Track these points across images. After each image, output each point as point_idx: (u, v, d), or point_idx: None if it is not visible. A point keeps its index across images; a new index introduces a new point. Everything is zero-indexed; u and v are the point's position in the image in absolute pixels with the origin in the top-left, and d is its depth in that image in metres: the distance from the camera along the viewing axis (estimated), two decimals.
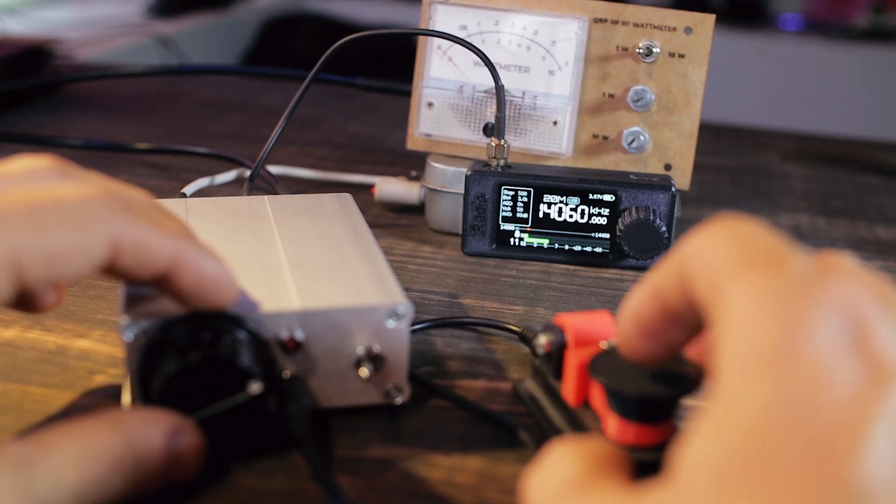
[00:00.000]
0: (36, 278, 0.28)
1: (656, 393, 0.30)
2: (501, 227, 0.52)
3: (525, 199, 0.52)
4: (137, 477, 0.29)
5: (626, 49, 0.54)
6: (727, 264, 0.25)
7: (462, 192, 0.53)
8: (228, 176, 0.62)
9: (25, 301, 0.34)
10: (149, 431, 0.29)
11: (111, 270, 0.30)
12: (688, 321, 0.27)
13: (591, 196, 0.51)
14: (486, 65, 0.52)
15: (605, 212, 0.51)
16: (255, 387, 0.32)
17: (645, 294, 0.28)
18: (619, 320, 0.29)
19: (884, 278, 0.24)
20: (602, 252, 0.52)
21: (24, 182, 0.30)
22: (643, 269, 0.52)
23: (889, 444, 0.21)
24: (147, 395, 0.32)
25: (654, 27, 0.54)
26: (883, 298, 0.23)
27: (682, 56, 0.54)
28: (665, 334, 0.28)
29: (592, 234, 0.52)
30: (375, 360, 0.35)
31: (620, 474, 0.26)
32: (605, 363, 0.31)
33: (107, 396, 0.37)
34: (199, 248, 0.31)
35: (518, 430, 0.35)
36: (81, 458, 0.28)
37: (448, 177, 0.55)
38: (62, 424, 0.29)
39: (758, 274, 0.24)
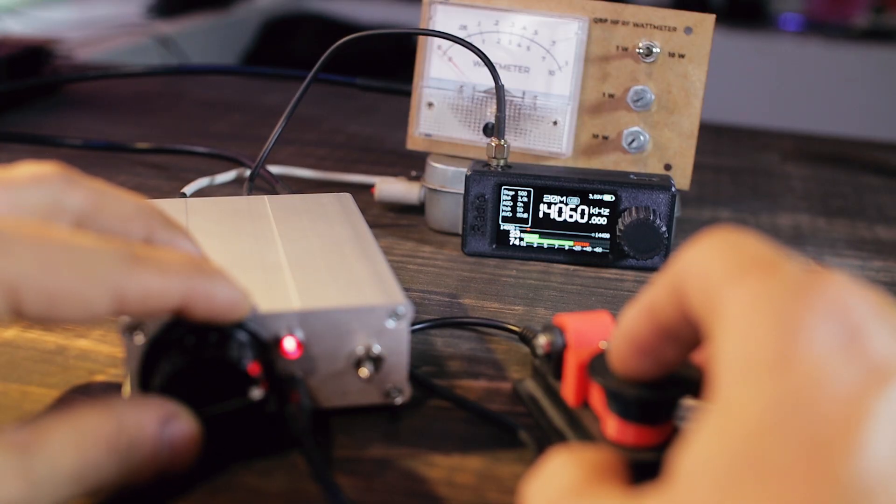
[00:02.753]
0: (32, 314, 0.28)
1: (655, 394, 0.30)
2: (501, 227, 0.52)
3: (525, 199, 0.52)
4: (131, 462, 0.29)
5: (626, 49, 0.54)
6: (721, 274, 0.25)
7: (462, 192, 0.53)
8: (228, 176, 0.62)
9: None
10: (141, 417, 0.30)
11: (120, 316, 0.30)
12: (683, 338, 0.27)
13: (591, 196, 0.51)
14: (486, 65, 0.52)
15: (605, 212, 0.51)
16: (255, 392, 0.32)
17: (639, 312, 0.28)
18: (613, 339, 0.29)
19: (875, 289, 0.24)
20: (602, 252, 0.52)
21: (33, 196, 0.31)
22: (643, 269, 0.52)
23: (887, 443, 0.21)
24: (147, 395, 0.32)
25: (654, 27, 0.54)
26: (875, 303, 0.24)
27: (682, 56, 0.54)
28: (659, 352, 0.28)
29: (592, 234, 0.52)
30: (375, 360, 0.35)
31: (619, 480, 0.26)
32: (604, 364, 0.31)
33: (107, 397, 0.37)
34: (207, 276, 0.31)
35: (518, 430, 0.35)
36: (77, 442, 0.28)
37: (448, 177, 0.55)
38: (58, 411, 0.29)
39: (752, 280, 0.24)
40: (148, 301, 0.29)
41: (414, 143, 0.58)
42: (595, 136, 0.55)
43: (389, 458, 0.34)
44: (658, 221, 0.50)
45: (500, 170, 0.52)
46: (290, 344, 0.34)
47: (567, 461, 0.27)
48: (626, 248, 0.51)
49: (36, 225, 0.29)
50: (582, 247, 0.52)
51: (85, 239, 0.29)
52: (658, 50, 0.53)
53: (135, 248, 0.30)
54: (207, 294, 0.31)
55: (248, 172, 0.59)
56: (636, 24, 0.54)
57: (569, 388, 0.34)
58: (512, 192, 0.52)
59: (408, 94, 0.58)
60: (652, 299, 0.27)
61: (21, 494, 0.26)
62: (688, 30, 0.53)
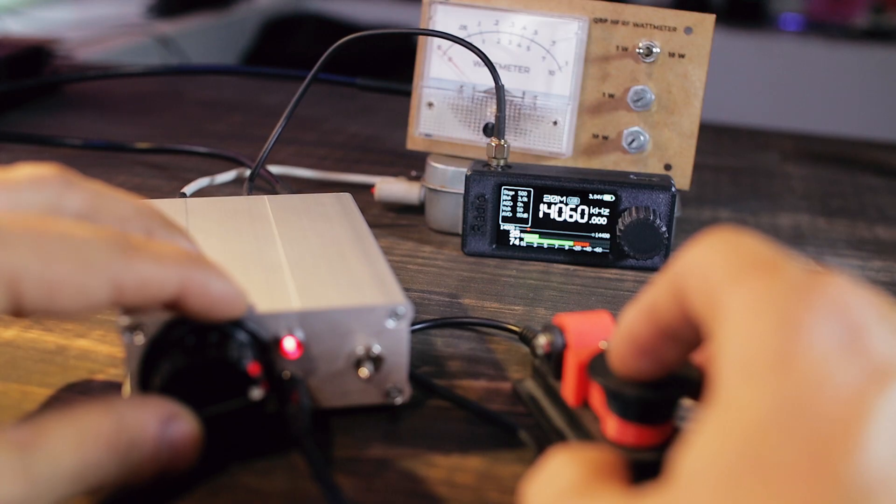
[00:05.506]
0: (32, 305, 0.28)
1: (655, 394, 0.30)
2: (501, 227, 0.52)
3: (525, 199, 0.52)
4: (132, 462, 0.29)
5: (626, 49, 0.54)
6: (722, 274, 0.25)
7: (462, 192, 0.53)
8: (228, 176, 0.62)
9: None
10: (142, 417, 0.30)
11: (117, 306, 0.30)
12: (683, 338, 0.27)
13: (591, 196, 0.51)
14: (486, 65, 0.52)
15: (605, 212, 0.51)
16: (256, 392, 0.32)
17: (639, 312, 0.28)
18: (613, 339, 0.29)
19: (875, 289, 0.24)
20: (602, 252, 0.52)
21: (32, 198, 0.31)
22: (643, 269, 0.52)
23: (888, 442, 0.21)
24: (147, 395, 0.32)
25: (654, 27, 0.54)
26: (875, 303, 0.24)
27: (682, 56, 0.54)
28: (659, 352, 0.28)
29: (592, 234, 0.52)
30: (375, 360, 0.35)
31: (619, 479, 0.26)
32: (604, 364, 0.31)
33: (107, 397, 0.37)
34: (203, 269, 0.31)
35: (518, 430, 0.35)
36: (78, 441, 0.28)
37: (448, 177, 0.55)
38: (58, 410, 0.29)
39: (754, 281, 0.24)
40: (145, 289, 0.30)
41: (414, 143, 0.58)
42: (595, 136, 0.55)
43: (389, 458, 0.34)
44: (658, 221, 0.50)
45: (500, 170, 0.52)
46: (290, 344, 0.34)
47: (567, 461, 0.27)
48: (626, 248, 0.51)
49: (33, 218, 0.29)
50: (582, 247, 0.52)
51: (82, 229, 0.29)
52: (658, 50, 0.53)
53: (131, 237, 0.30)
54: (203, 285, 0.31)
55: (248, 172, 0.59)
56: (636, 24, 0.54)
57: (569, 388, 0.34)
58: (512, 192, 0.52)
59: (408, 94, 0.58)
60: (652, 299, 0.27)
61: (21, 493, 0.26)
62: (688, 30, 0.53)
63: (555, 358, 0.35)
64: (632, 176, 0.52)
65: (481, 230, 0.52)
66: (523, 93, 0.55)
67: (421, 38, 0.57)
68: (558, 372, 0.35)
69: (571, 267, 0.52)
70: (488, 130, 0.56)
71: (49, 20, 1.70)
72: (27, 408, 0.36)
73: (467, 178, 0.52)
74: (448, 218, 0.56)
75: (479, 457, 0.34)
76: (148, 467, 0.30)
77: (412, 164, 0.63)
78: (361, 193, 0.58)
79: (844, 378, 0.22)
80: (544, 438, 0.35)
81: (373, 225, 0.49)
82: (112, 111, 0.83)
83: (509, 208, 0.52)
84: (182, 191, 0.58)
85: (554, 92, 0.55)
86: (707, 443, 0.23)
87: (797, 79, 2.24)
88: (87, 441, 0.28)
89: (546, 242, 0.52)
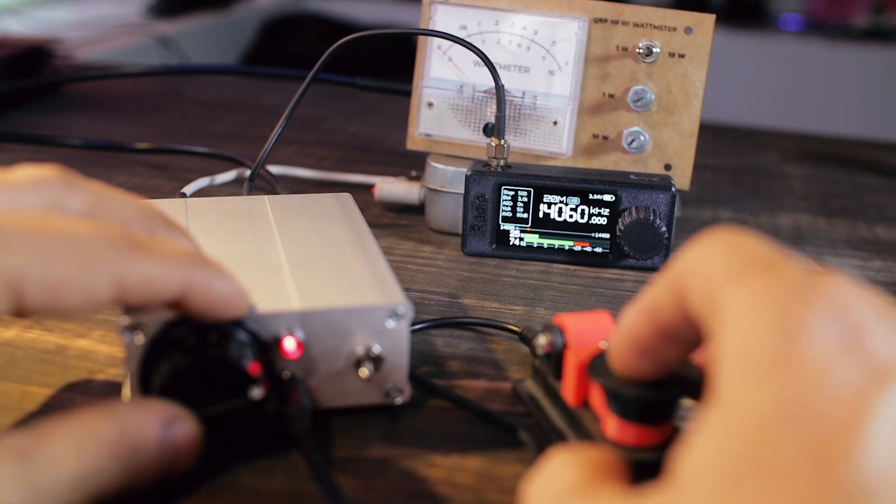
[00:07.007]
0: (34, 305, 0.28)
1: (655, 394, 0.30)
2: (501, 227, 0.52)
3: (525, 199, 0.52)
4: (134, 466, 0.29)
5: (626, 49, 0.54)
6: (722, 274, 0.25)
7: (462, 192, 0.53)
8: (228, 176, 0.62)
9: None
10: (144, 421, 0.30)
11: (120, 304, 0.30)
12: (683, 337, 0.27)
13: (591, 196, 0.51)
14: (486, 65, 0.52)
15: (605, 212, 0.51)
16: (256, 392, 0.32)
17: (639, 312, 0.28)
18: (613, 339, 0.29)
19: (875, 289, 0.24)
20: (602, 252, 0.52)
21: (33, 199, 0.31)
22: (643, 269, 0.52)
23: (888, 443, 0.21)
24: (147, 395, 0.32)
25: (654, 27, 0.54)
26: (875, 303, 0.24)
27: (682, 56, 0.54)
28: (659, 352, 0.28)
29: (592, 234, 0.52)
30: (375, 360, 0.35)
31: (619, 479, 0.26)
32: (604, 364, 0.31)
33: (107, 396, 0.37)
34: (206, 268, 0.31)
35: (518, 430, 0.35)
36: (79, 448, 0.28)
37: (448, 177, 0.55)
38: (59, 416, 0.29)
39: (753, 280, 0.24)
40: (148, 288, 0.29)
41: (414, 143, 0.58)
42: (595, 136, 0.55)
43: (389, 458, 0.34)
44: (658, 221, 0.50)
45: (500, 170, 0.52)
46: (290, 344, 0.34)
47: (567, 461, 0.27)
48: (626, 248, 0.51)
49: (34, 217, 0.29)
50: (582, 247, 0.52)
51: (84, 227, 0.29)
52: (658, 50, 0.53)
53: (134, 235, 0.30)
54: (205, 284, 0.31)
55: (248, 172, 0.59)
56: (636, 24, 0.54)
57: (569, 388, 0.34)
58: (512, 192, 0.52)
59: (408, 94, 0.58)
60: (652, 299, 0.27)
61: (23, 501, 0.26)
62: (688, 30, 0.53)
63: (555, 358, 0.35)
64: (632, 176, 0.52)
65: (481, 230, 0.52)
66: (523, 93, 0.55)
67: (421, 38, 0.57)
68: (558, 372, 0.35)
69: (571, 267, 0.52)
70: (488, 130, 0.56)
71: (49, 20, 1.70)
72: (27, 408, 0.36)
73: (467, 178, 0.52)
74: (448, 218, 0.56)
75: (479, 457, 0.34)
76: (149, 471, 0.30)
77: (412, 164, 0.63)
78: (361, 193, 0.58)
79: (844, 378, 0.22)
80: (544, 438, 0.35)
81: (373, 225, 0.49)
82: (112, 111, 0.83)
83: (509, 208, 0.52)
84: (182, 191, 0.58)
85: (554, 92, 0.55)
86: (707, 443, 0.23)
87: (797, 79, 2.24)
88: (88, 447, 0.28)
89: (546, 242, 0.52)
